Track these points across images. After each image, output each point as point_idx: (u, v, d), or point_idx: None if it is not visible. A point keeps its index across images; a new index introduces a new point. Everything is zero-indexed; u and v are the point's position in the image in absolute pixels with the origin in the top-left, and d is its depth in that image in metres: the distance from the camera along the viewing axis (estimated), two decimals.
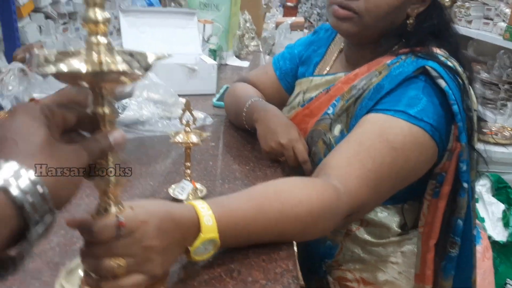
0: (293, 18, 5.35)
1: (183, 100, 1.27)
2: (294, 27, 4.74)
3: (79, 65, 0.41)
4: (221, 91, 1.46)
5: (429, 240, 0.87)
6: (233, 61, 2.01)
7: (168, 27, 1.47)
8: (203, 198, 0.80)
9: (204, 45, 1.69)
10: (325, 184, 0.70)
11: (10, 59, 2.29)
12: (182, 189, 0.79)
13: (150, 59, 0.44)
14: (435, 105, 0.78)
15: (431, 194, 0.86)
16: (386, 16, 0.85)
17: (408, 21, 0.88)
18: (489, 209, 1.92)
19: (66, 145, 0.42)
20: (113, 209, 0.47)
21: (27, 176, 0.37)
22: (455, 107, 0.78)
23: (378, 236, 0.92)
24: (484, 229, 1.80)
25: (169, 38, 1.46)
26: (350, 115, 0.89)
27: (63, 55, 0.43)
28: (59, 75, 0.41)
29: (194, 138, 0.77)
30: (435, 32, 0.89)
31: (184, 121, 0.77)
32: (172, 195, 0.79)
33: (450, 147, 0.80)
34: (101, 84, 0.43)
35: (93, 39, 0.42)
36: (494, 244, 1.82)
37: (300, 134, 0.94)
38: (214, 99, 1.39)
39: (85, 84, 0.43)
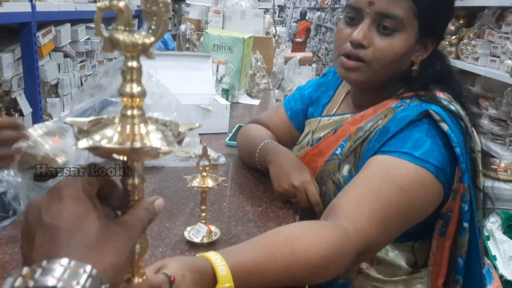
0: (302, 53, 5.47)
1: (197, 139, 1.32)
2: (302, 62, 4.85)
3: (113, 139, 0.41)
4: (234, 130, 1.50)
5: (438, 279, 0.89)
6: (244, 99, 2.06)
7: (185, 69, 1.53)
8: (217, 240, 0.83)
9: (217, 85, 1.75)
10: (334, 226, 0.73)
11: (30, 96, 2.38)
12: (197, 232, 0.82)
13: (182, 128, 0.46)
14: (439, 147, 0.81)
15: (439, 233, 0.88)
16: (392, 64, 0.90)
17: (413, 68, 0.93)
18: (501, 247, 1.91)
19: (115, 225, 0.41)
20: (137, 279, 0.48)
21: (90, 274, 0.35)
22: (457, 150, 0.81)
23: (389, 274, 0.93)
24: (496, 268, 1.78)
25: (185, 80, 1.53)
26: (358, 156, 0.92)
27: (96, 124, 0.45)
28: (91, 149, 0.41)
29: (210, 183, 0.80)
30: (438, 77, 0.93)
31: (200, 167, 0.81)
32: (187, 237, 0.82)
33: (455, 187, 0.83)
34: (133, 158, 0.44)
35: (128, 112, 0.42)
36: (507, 283, 1.80)
37: (313, 177, 0.97)
38: (227, 139, 1.43)
39: (117, 157, 0.42)
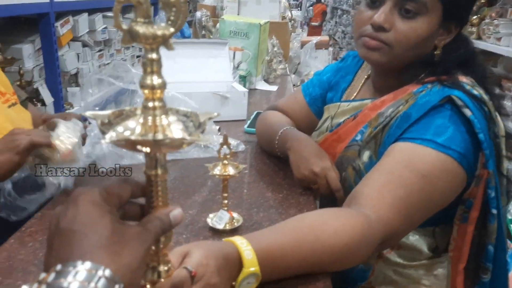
0: (318, 37, 5.40)
1: (216, 127, 1.33)
2: (319, 45, 4.79)
3: (135, 130, 0.42)
4: (252, 117, 1.51)
5: (458, 264, 0.89)
6: (262, 86, 2.06)
7: (202, 57, 1.53)
8: (239, 227, 0.84)
9: (235, 72, 1.75)
10: (357, 214, 0.73)
11: (51, 86, 2.42)
12: (220, 219, 0.83)
13: (202, 118, 0.46)
14: (462, 133, 0.80)
15: (460, 219, 0.88)
16: (414, 47, 0.88)
17: (435, 52, 0.91)
18: None
19: (130, 229, 0.41)
20: (162, 267, 0.49)
21: (103, 276, 0.36)
22: (481, 136, 0.80)
23: (410, 259, 0.93)
24: None
25: (203, 68, 1.53)
26: (379, 142, 0.92)
27: (118, 116, 0.45)
28: (115, 141, 0.42)
29: (231, 171, 0.81)
30: (461, 62, 0.91)
31: (221, 155, 0.81)
32: (210, 224, 0.83)
33: (478, 173, 0.82)
34: (156, 150, 0.44)
35: (150, 103, 0.43)
36: None
37: (333, 163, 0.97)
38: (246, 126, 1.44)
39: (140, 148, 0.43)
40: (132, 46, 3.63)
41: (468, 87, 0.85)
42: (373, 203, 0.75)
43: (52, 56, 2.36)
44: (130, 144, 0.42)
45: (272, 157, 1.18)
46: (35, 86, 2.34)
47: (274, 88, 2.07)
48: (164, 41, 0.43)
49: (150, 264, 0.48)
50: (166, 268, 0.49)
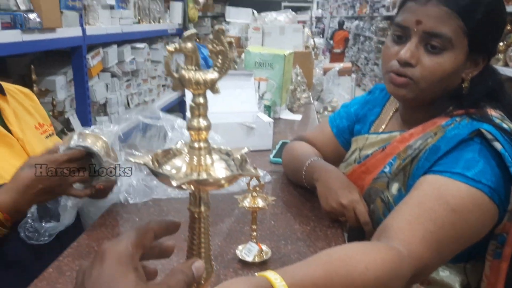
0: (341, 64, 5.44)
1: None
2: (342, 72, 4.81)
3: (181, 169, 0.44)
4: (277, 147, 1.52)
5: None
6: (286, 115, 2.09)
7: (228, 88, 1.57)
8: (268, 260, 0.84)
9: (259, 102, 1.78)
10: (388, 249, 0.72)
11: (81, 115, 2.50)
12: (249, 251, 0.84)
13: (243, 155, 0.49)
14: (492, 167, 0.80)
15: (492, 254, 0.86)
16: (440, 82, 0.89)
17: (463, 85, 0.91)
18: None
19: (153, 285, 0.43)
20: None
21: None
22: None
23: None
24: None
25: (229, 98, 1.57)
26: (408, 174, 0.92)
27: (166, 155, 0.48)
28: (160, 177, 0.45)
29: (260, 203, 0.82)
30: (489, 94, 0.92)
31: (251, 187, 0.83)
32: (239, 256, 0.84)
33: (510, 208, 0.81)
34: (200, 188, 0.46)
35: (195, 144, 0.46)
36: None
37: (361, 195, 0.97)
38: (271, 156, 1.45)
39: (184, 187, 0.45)
40: (158, 76, 3.73)
41: (497, 121, 0.85)
42: (404, 237, 0.75)
43: (83, 87, 2.45)
44: (176, 184, 0.44)
45: (298, 188, 1.19)
46: (66, 116, 2.43)
47: (298, 117, 2.09)
48: (211, 86, 0.46)
49: None
50: None
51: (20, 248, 0.92)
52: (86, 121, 2.52)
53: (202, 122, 0.46)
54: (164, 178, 0.45)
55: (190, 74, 0.45)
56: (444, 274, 0.91)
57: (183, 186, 0.44)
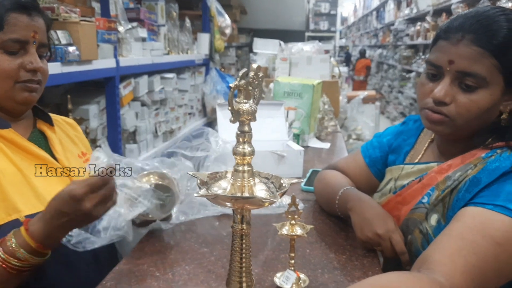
0: (365, 92, 5.46)
1: None
2: (366, 100, 4.84)
3: (226, 189, 0.49)
4: (308, 175, 1.54)
5: None
6: (314, 143, 2.10)
7: (259, 117, 1.60)
8: None
9: (289, 130, 1.81)
10: (431, 280, 0.72)
11: (112, 143, 2.57)
12: (287, 279, 0.85)
13: (284, 182, 0.52)
14: None
15: None
16: (477, 118, 0.89)
17: (502, 117, 0.91)
18: None
19: None
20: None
21: None
22: None
23: None
24: None
25: (260, 127, 1.59)
26: (447, 206, 0.91)
27: (213, 178, 0.53)
28: (209, 197, 0.49)
29: (299, 231, 0.84)
30: None
31: (289, 215, 0.84)
32: (278, 284, 0.85)
33: None
34: (242, 206, 0.51)
35: (240, 168, 0.50)
36: None
37: (397, 225, 0.97)
38: (302, 184, 1.46)
39: (228, 204, 0.50)
40: (185, 104, 3.82)
41: None
42: (446, 269, 0.74)
43: (115, 115, 2.53)
44: (221, 200, 0.50)
45: (332, 217, 1.19)
46: (98, 144, 2.50)
47: (326, 145, 2.11)
48: (254, 116, 0.50)
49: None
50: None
51: (60, 271, 0.95)
52: (116, 149, 2.59)
53: (247, 148, 0.50)
54: (213, 198, 0.48)
55: (240, 106, 0.48)
56: None
57: (228, 204, 0.48)
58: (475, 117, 0.89)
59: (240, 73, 0.50)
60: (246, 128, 0.50)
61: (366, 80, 10.13)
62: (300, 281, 0.86)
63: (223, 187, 0.51)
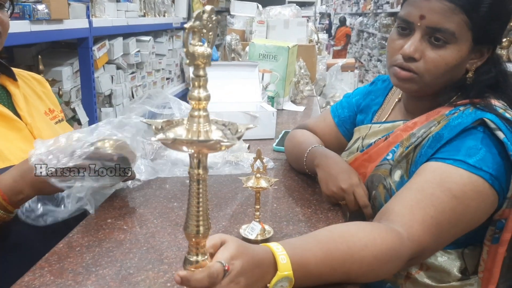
0: (344, 59, 5.46)
1: (246, 145, 1.39)
2: (345, 68, 4.84)
3: (182, 135, 0.50)
4: (280, 136, 1.55)
5: (489, 286, 0.89)
6: (289, 106, 2.12)
7: (233, 78, 1.60)
8: (270, 238, 0.88)
9: (263, 93, 1.81)
10: (389, 229, 0.75)
11: (87, 106, 2.54)
12: (252, 230, 0.88)
13: (240, 128, 0.53)
14: (494, 155, 0.81)
15: (490, 240, 0.88)
16: (444, 74, 0.90)
17: (467, 75, 0.93)
18: None
19: None
20: (200, 257, 0.56)
21: None
22: None
23: (439, 280, 0.93)
24: None
25: (234, 89, 1.60)
26: (410, 162, 0.94)
27: (169, 124, 0.53)
28: (165, 142, 0.50)
29: (264, 183, 0.86)
30: (493, 84, 0.93)
31: (255, 168, 0.86)
32: (242, 235, 0.87)
33: (510, 195, 0.83)
34: (199, 150, 0.51)
35: (196, 113, 0.51)
36: None
37: (361, 180, 1.00)
38: (274, 144, 1.48)
39: (185, 149, 0.50)
40: (162, 69, 3.77)
41: (500, 110, 0.86)
42: (404, 220, 0.77)
43: (89, 78, 2.48)
44: (177, 144, 0.50)
45: (300, 174, 1.22)
46: (72, 106, 2.46)
47: (301, 108, 2.12)
48: (208, 60, 0.51)
49: (189, 254, 0.56)
50: (203, 258, 0.57)
51: (26, 232, 0.95)
52: (91, 112, 2.56)
53: (202, 93, 0.50)
54: (169, 143, 0.49)
55: (196, 48, 0.49)
56: (442, 259, 0.93)
57: (185, 148, 0.49)
58: (443, 73, 0.90)
59: (194, 14, 0.49)
60: (201, 72, 0.50)
61: (345, 48, 10.10)
62: (265, 232, 0.88)
63: (178, 133, 0.51)
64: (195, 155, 0.52)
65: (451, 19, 0.86)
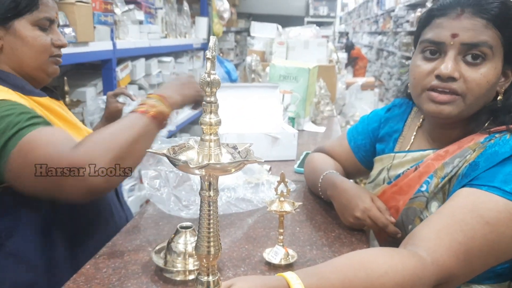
0: (364, 78, 5.45)
1: (267, 167, 1.39)
2: (365, 87, 4.83)
3: (194, 157, 0.52)
4: (301, 157, 1.55)
5: None
6: (309, 127, 2.11)
7: (254, 99, 1.62)
8: (294, 263, 0.87)
9: (284, 113, 1.82)
10: (411, 255, 0.73)
11: None
12: (275, 254, 0.87)
13: (250, 151, 0.54)
14: None
15: None
16: (486, 94, 0.87)
17: (498, 98, 0.90)
18: None
19: None
20: (211, 277, 0.57)
21: None
22: None
23: None
24: None
25: (255, 110, 1.61)
26: (447, 193, 0.90)
27: (182, 147, 0.55)
28: (177, 164, 0.52)
29: (287, 207, 0.85)
30: None
31: (278, 191, 0.86)
32: (266, 259, 0.87)
33: None
34: (209, 172, 0.53)
35: (207, 137, 0.53)
36: None
37: (375, 198, 0.98)
38: (295, 166, 1.48)
39: (197, 172, 0.52)
40: None
41: None
42: (430, 244, 0.75)
43: None
44: (189, 168, 0.52)
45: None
46: (94, 127, 2.51)
47: (321, 129, 2.12)
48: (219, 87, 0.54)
49: (200, 275, 0.57)
50: (213, 279, 0.57)
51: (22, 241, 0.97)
52: None
53: (213, 118, 0.52)
54: (182, 165, 0.51)
55: (209, 77, 0.52)
56: None
57: (197, 171, 0.51)
58: (485, 93, 0.86)
59: (211, 44, 0.51)
60: (213, 99, 0.52)
61: (365, 66, 10.00)
62: (289, 256, 0.88)
63: (190, 156, 0.53)
64: (206, 177, 0.54)
65: (486, 33, 0.84)
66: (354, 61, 9.43)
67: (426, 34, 0.91)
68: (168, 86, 1.08)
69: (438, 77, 0.88)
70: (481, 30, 0.84)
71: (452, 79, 0.86)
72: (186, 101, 1.07)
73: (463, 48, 0.86)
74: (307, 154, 1.58)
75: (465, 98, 0.87)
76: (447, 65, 0.86)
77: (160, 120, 0.96)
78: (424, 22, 0.93)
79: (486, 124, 0.90)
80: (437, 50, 0.89)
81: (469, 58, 0.86)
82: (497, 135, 0.87)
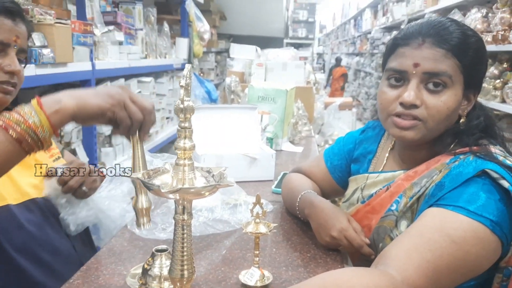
0: (342, 98, 5.54)
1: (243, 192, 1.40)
2: (342, 107, 4.91)
3: (169, 181, 0.53)
4: (279, 178, 1.57)
5: None
6: (287, 147, 2.14)
7: (232, 120, 1.64)
8: (269, 284, 0.88)
9: (262, 134, 1.84)
10: (382, 274, 0.75)
11: (87, 146, 2.56)
12: (251, 276, 0.88)
13: (224, 175, 0.56)
14: (496, 201, 0.82)
15: (498, 287, 0.87)
16: (446, 119, 0.92)
17: (460, 121, 0.95)
18: None
19: None
20: None
21: None
22: None
23: None
24: None
25: (233, 130, 1.63)
26: (415, 212, 0.94)
27: (156, 172, 0.56)
28: (151, 188, 0.53)
29: (263, 229, 0.87)
30: (483, 129, 0.95)
31: (254, 213, 0.87)
32: (242, 281, 0.88)
33: None
34: (183, 196, 0.54)
35: (181, 162, 0.54)
36: None
37: (351, 219, 1.00)
38: (273, 186, 1.49)
39: (171, 196, 0.53)
40: (163, 109, 3.82)
41: (500, 158, 0.87)
42: (400, 264, 0.77)
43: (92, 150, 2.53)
44: (164, 193, 0.53)
45: (299, 218, 1.22)
46: (73, 147, 2.48)
47: (299, 149, 2.15)
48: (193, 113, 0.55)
49: None
50: None
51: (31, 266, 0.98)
52: (91, 152, 2.57)
53: (187, 143, 0.54)
54: (155, 189, 0.52)
55: (182, 104, 0.54)
56: None
57: (170, 195, 0.52)
58: (445, 118, 0.91)
59: (186, 72, 0.53)
60: (187, 124, 0.54)
61: (343, 88, 10.21)
62: (264, 278, 0.88)
63: (164, 180, 0.54)
64: (180, 201, 0.55)
65: (445, 63, 0.89)
66: (345, 77, 9.70)
67: (391, 62, 0.96)
68: (77, 90, 0.77)
69: (402, 104, 0.92)
70: (441, 59, 0.89)
71: (414, 106, 0.91)
72: (88, 112, 0.71)
73: (424, 76, 0.91)
74: (284, 174, 1.60)
75: (426, 123, 0.92)
76: (409, 94, 0.91)
77: (27, 141, 0.69)
78: (389, 51, 0.98)
79: (452, 146, 0.94)
80: (401, 78, 0.94)
81: (430, 86, 0.91)
82: (461, 157, 0.91)
